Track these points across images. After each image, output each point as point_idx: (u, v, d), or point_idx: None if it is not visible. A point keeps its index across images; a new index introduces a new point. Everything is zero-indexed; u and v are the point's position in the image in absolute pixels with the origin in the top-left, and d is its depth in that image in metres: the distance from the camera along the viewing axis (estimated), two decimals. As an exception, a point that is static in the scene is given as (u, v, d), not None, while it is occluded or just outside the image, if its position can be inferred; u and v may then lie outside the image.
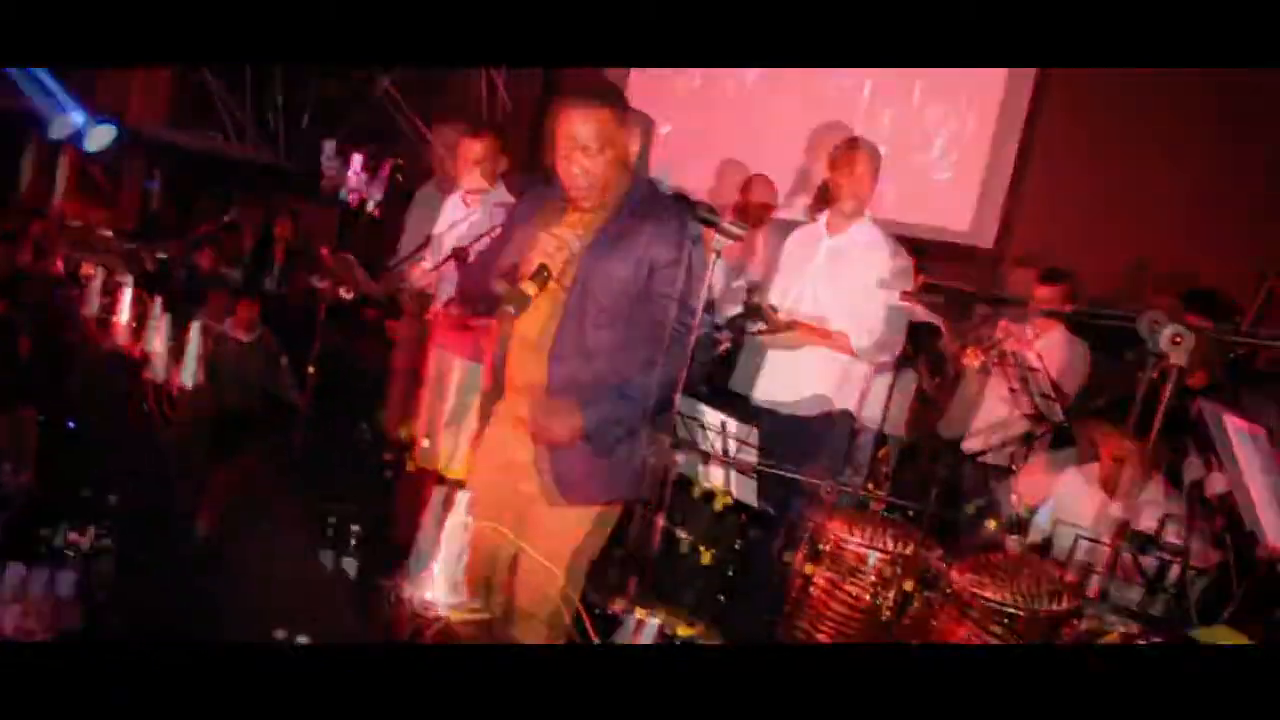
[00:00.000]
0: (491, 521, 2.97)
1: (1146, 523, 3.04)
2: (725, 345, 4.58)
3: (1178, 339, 1.99)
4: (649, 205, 2.84)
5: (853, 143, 4.27)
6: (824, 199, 4.36)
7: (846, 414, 4.22)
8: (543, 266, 2.67)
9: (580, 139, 2.74)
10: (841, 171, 4.20)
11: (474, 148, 4.72)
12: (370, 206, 9.53)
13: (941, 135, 6.75)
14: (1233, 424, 2.07)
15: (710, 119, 7.83)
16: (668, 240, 2.75)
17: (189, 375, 3.56)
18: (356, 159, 9.72)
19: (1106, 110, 6.02)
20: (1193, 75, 4.94)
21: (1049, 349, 4.96)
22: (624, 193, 2.86)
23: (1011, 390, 5.00)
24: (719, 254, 2.66)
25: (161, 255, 6.67)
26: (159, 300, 3.81)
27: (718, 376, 4.54)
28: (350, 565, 4.18)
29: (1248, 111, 5.50)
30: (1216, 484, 2.39)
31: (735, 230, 2.63)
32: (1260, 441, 2.08)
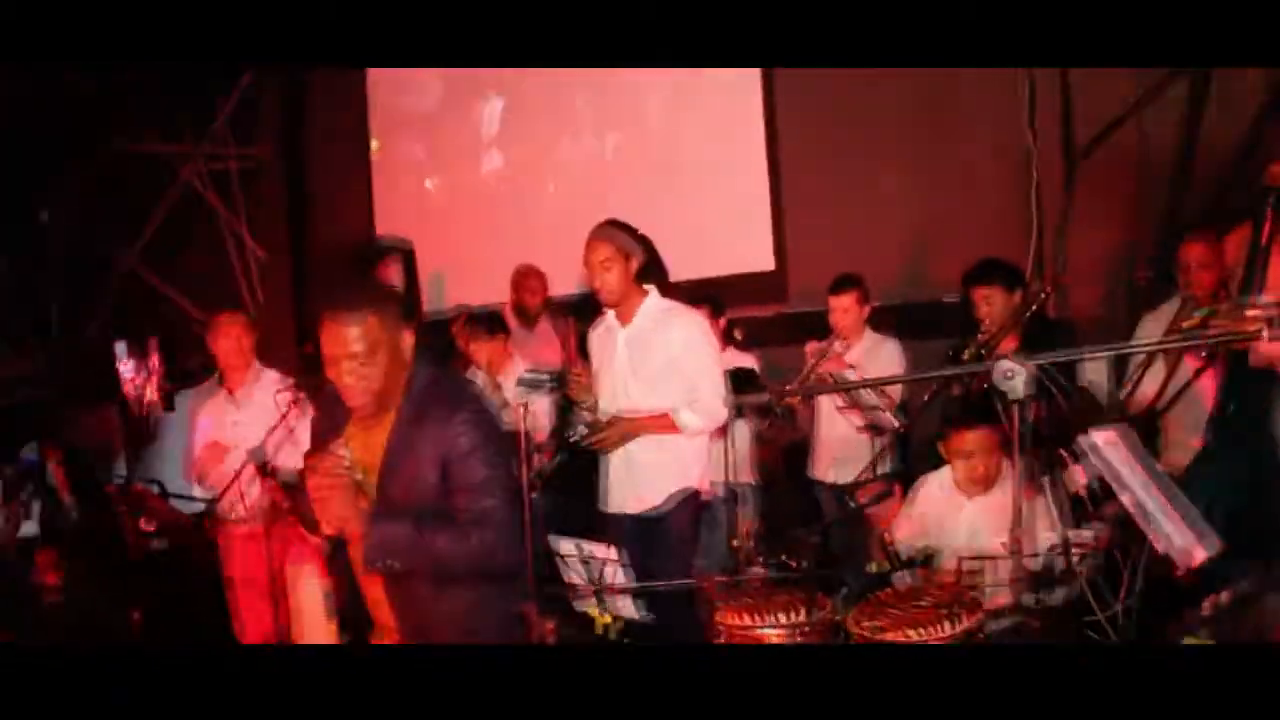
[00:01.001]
0: None
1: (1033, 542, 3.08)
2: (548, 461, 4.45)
3: (1009, 374, 1.97)
4: (427, 398, 2.71)
5: (590, 236, 4.13)
6: None
7: (692, 495, 4.14)
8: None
9: (349, 349, 2.61)
10: (588, 267, 4.10)
11: (228, 324, 4.60)
12: (149, 395, 9.05)
13: (696, 178, 6.80)
14: (1087, 441, 2.06)
15: (466, 218, 7.72)
16: (455, 431, 2.62)
17: None
18: (119, 349, 9.22)
19: (835, 110, 6.20)
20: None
21: (861, 357, 5.01)
22: (403, 389, 2.72)
23: (839, 409, 5.04)
24: (527, 406, 2.52)
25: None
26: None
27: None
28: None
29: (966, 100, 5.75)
30: (1077, 477, 2.38)
31: (541, 379, 2.52)
32: (1117, 448, 2.08)
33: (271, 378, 4.47)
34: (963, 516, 3.69)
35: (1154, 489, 2.17)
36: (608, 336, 4.23)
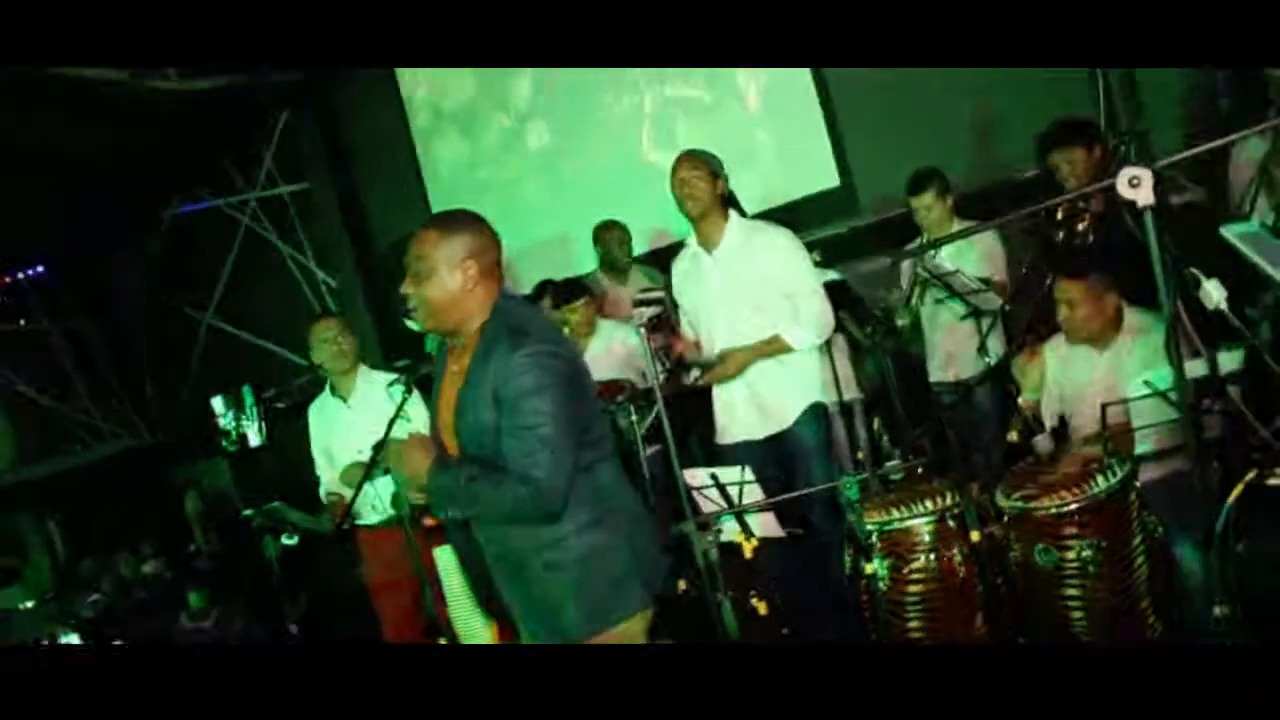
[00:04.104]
0: None
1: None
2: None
3: (1135, 181, 1.91)
4: (494, 332, 2.62)
5: (677, 158, 4.16)
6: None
7: (818, 407, 4.10)
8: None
9: (410, 265, 2.63)
10: (675, 187, 4.09)
11: (323, 329, 4.61)
12: (254, 441, 9.29)
13: (744, 111, 6.72)
14: (1230, 232, 2.00)
15: (524, 198, 7.72)
16: (512, 370, 2.51)
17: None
18: (216, 404, 9.48)
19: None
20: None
21: (955, 249, 4.91)
22: (479, 322, 2.67)
23: (938, 302, 4.97)
24: (644, 328, 2.49)
25: (96, 597, 6.27)
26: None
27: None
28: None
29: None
30: (1213, 292, 2.30)
31: (654, 295, 2.49)
32: (1255, 240, 2.01)
33: (381, 376, 4.48)
34: (1096, 372, 3.59)
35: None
36: (695, 264, 4.18)
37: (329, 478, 4.62)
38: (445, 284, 2.61)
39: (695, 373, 3.98)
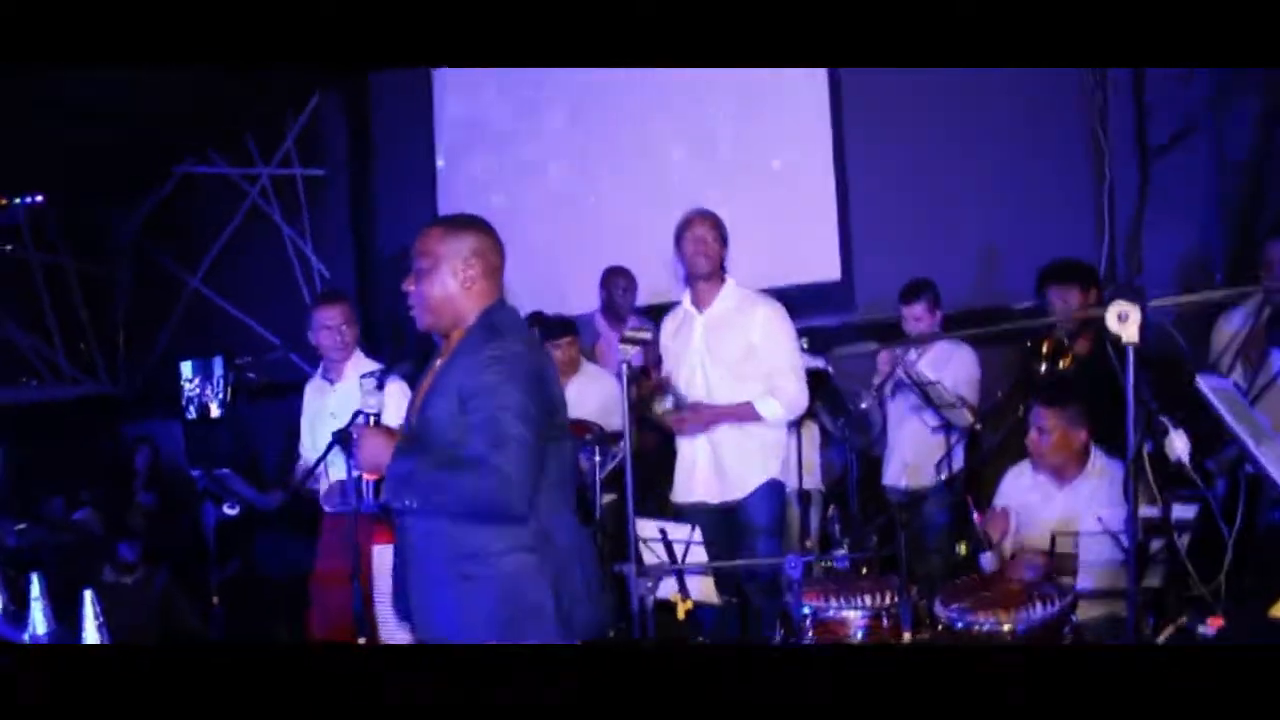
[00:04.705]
0: None
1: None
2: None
3: (1124, 316, 1.96)
4: (474, 334, 2.60)
5: (690, 214, 4.25)
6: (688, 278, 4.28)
7: (775, 484, 4.14)
8: None
9: (414, 261, 2.64)
10: (685, 242, 4.16)
11: (329, 315, 4.52)
12: (215, 411, 9.22)
13: (762, 188, 6.81)
14: (1205, 383, 2.05)
15: (534, 232, 7.76)
16: (477, 364, 2.50)
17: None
18: (185, 368, 9.42)
19: (901, 120, 6.20)
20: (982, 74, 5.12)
21: (935, 362, 4.98)
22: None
23: (912, 409, 5.02)
24: (629, 364, 2.52)
25: (21, 528, 6.18)
26: (35, 577, 3.42)
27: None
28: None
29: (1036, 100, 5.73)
30: (1177, 444, 2.36)
31: (643, 335, 2.53)
32: (1227, 397, 2.07)
33: (372, 365, 4.38)
34: (1054, 506, 3.64)
35: (1262, 442, 2.14)
36: (685, 323, 4.25)
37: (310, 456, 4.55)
38: (445, 282, 2.61)
39: (669, 403, 4.00)
